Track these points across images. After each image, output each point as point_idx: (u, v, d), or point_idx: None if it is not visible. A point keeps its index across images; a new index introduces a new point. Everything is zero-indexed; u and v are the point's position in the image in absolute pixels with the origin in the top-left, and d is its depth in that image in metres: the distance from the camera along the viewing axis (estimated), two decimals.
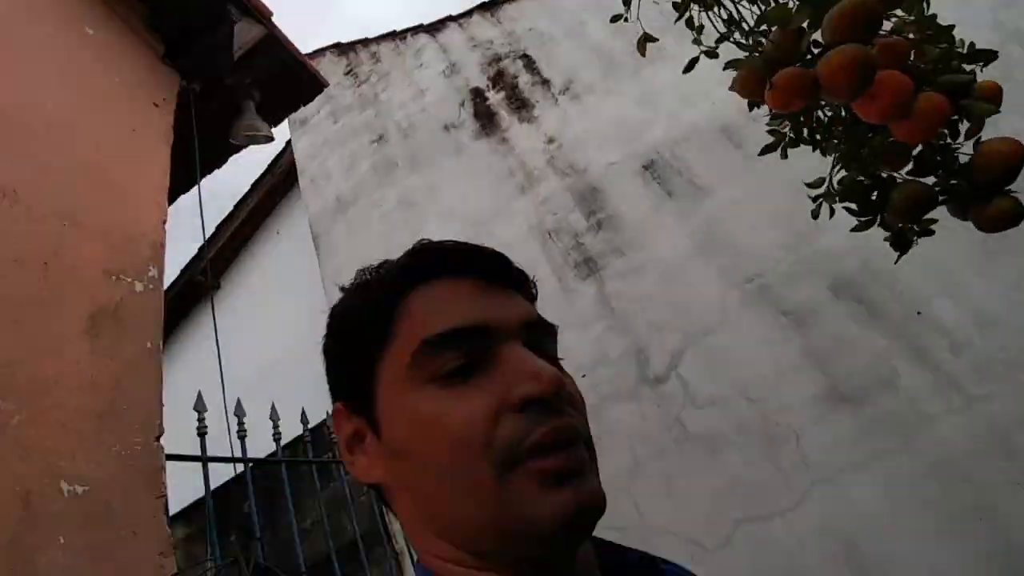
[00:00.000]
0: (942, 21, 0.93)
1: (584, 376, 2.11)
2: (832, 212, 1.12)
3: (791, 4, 0.93)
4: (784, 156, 1.12)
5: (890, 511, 1.58)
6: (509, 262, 0.40)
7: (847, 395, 1.78)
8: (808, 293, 1.94)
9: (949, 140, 0.92)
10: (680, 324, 2.07)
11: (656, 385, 2.03)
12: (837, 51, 0.81)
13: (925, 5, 0.89)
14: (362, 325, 0.38)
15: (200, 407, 1.17)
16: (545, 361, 0.36)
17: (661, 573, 0.40)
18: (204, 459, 1.16)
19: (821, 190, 1.13)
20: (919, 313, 1.79)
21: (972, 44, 0.93)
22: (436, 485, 0.34)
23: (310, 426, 1.53)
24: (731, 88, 1.07)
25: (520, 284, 0.41)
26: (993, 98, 0.88)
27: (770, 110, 1.06)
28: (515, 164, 2.67)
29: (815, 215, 1.12)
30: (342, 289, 0.42)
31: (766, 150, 1.10)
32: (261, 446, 1.40)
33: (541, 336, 0.39)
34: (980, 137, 0.90)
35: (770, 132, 1.11)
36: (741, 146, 2.19)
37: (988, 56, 0.92)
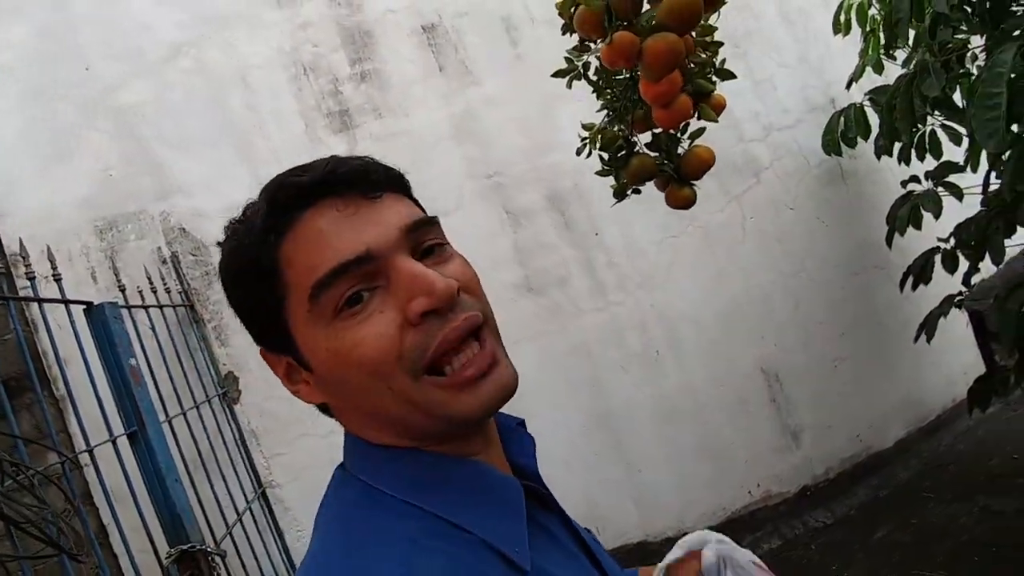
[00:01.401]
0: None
1: None
2: (589, 154, 1.33)
3: None
4: (569, 86, 1.23)
5: (538, 378, 2.10)
6: (367, 171, 0.42)
7: (533, 286, 2.21)
8: (530, 198, 2.25)
9: (679, 132, 1.19)
10: (420, 199, 2.17)
11: None
12: (662, 37, 0.93)
13: (717, 15, 1.04)
14: (253, 285, 0.41)
15: None
16: (432, 269, 0.40)
17: (526, 436, 0.50)
18: None
19: (588, 134, 1.30)
20: (596, 234, 2.28)
21: (724, 60, 1.17)
22: (369, 398, 0.40)
23: None
24: (561, 14, 1.11)
25: (387, 184, 0.43)
26: (719, 108, 1.15)
27: (580, 41, 1.15)
28: None
29: (579, 153, 1.30)
30: (219, 244, 0.44)
31: (559, 74, 1.21)
32: None
33: (424, 232, 0.42)
34: (695, 139, 1.18)
35: (566, 59, 1.21)
36: (517, 44, 2.27)
37: (731, 75, 1.15)
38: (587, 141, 1.25)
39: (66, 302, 1.31)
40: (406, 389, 0.38)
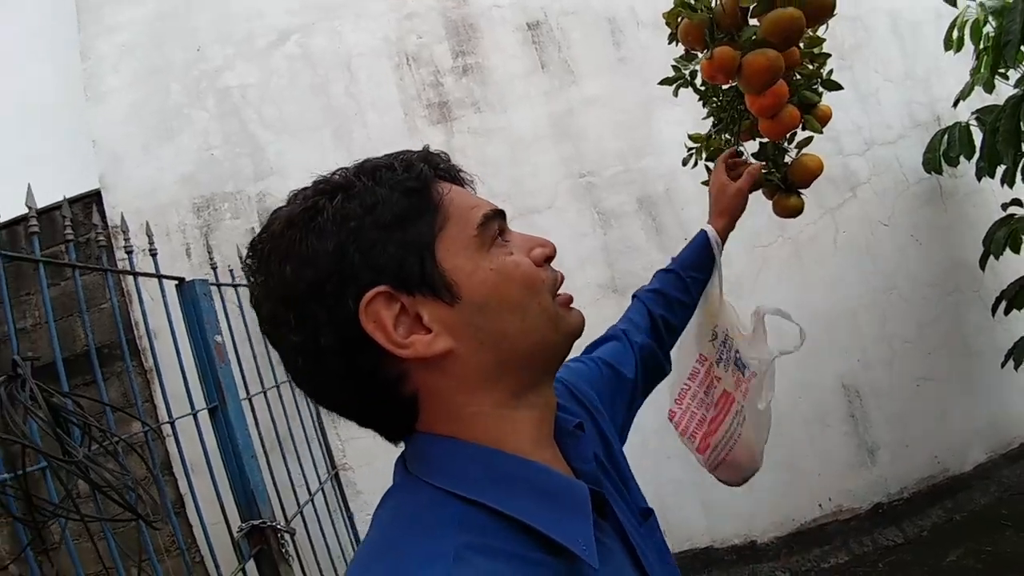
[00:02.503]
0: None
1: None
2: (695, 164, 1.34)
3: None
4: (676, 94, 1.25)
5: None
6: (467, 174, 0.51)
7: (618, 287, 2.24)
8: (620, 200, 2.27)
9: (785, 142, 1.19)
10: (514, 196, 2.20)
11: None
12: (762, 54, 0.96)
13: (826, 27, 1.05)
14: (405, 212, 0.43)
15: None
16: None
17: (583, 439, 0.53)
18: None
19: (695, 145, 1.31)
20: (685, 239, 2.28)
21: (831, 71, 1.17)
22: (517, 320, 0.45)
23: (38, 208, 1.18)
24: (668, 24, 1.13)
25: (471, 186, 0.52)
26: (824, 120, 1.14)
27: (687, 51, 1.17)
28: None
29: (685, 163, 1.30)
30: (334, 188, 0.44)
31: (665, 82, 1.22)
32: None
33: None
34: (802, 148, 1.16)
35: (673, 67, 1.22)
36: (620, 46, 2.28)
37: (837, 86, 1.16)
38: (693, 151, 1.25)
39: (160, 277, 1.34)
40: (548, 305, 0.47)
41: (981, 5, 2.02)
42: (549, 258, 0.49)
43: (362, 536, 2.04)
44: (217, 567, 1.25)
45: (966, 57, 2.17)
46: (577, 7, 2.26)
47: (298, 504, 1.66)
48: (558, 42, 2.26)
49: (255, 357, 1.77)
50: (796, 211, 1.15)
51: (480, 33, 2.25)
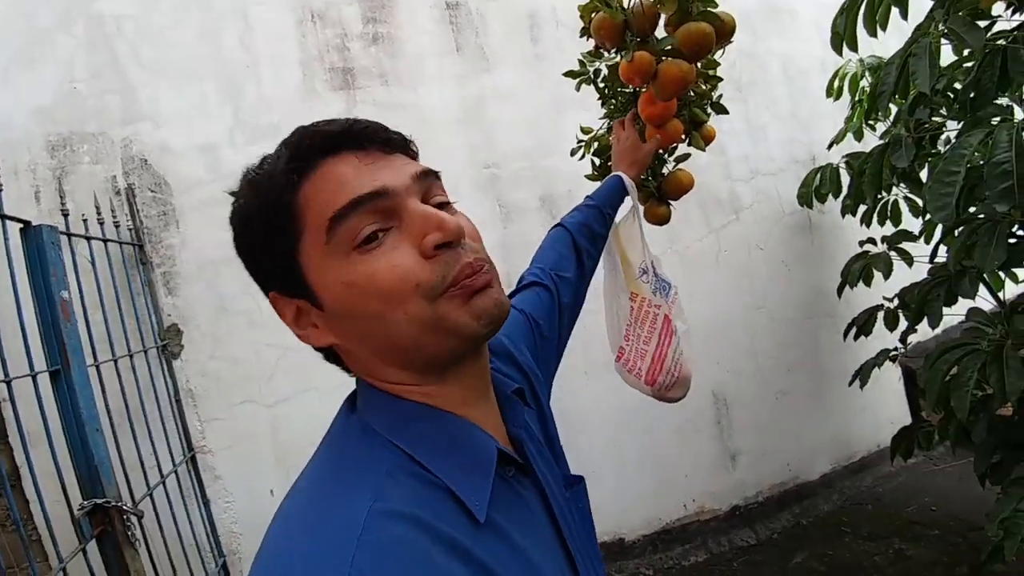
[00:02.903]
0: None
1: None
2: (583, 156, 1.36)
3: None
4: (577, 89, 1.25)
5: None
6: (386, 130, 0.47)
7: (511, 283, 2.22)
8: (523, 196, 2.27)
9: (665, 153, 1.23)
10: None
11: None
12: (676, 64, 1.00)
13: (722, 52, 1.11)
14: (268, 226, 0.44)
15: None
16: (440, 210, 0.45)
17: (518, 406, 0.55)
18: None
19: (586, 138, 1.34)
20: None
21: (721, 95, 1.23)
22: (381, 326, 0.43)
23: None
24: (582, 17, 1.14)
25: (400, 146, 0.48)
26: (708, 139, 1.21)
27: (595, 47, 1.19)
28: None
29: (573, 153, 1.33)
30: (232, 194, 0.48)
31: (570, 74, 1.23)
32: None
33: (431, 184, 0.47)
34: (680, 163, 1.23)
35: (580, 62, 1.23)
36: (538, 42, 2.28)
37: (724, 110, 1.22)
38: (583, 144, 1.29)
39: (2, 217, 1.22)
40: (420, 312, 0.42)
41: (860, 61, 2.25)
42: (444, 243, 0.43)
43: (219, 524, 1.89)
44: (56, 546, 1.17)
45: (843, 105, 2.41)
46: None
47: (148, 485, 1.58)
48: (476, 27, 2.22)
49: (107, 322, 1.61)
50: (664, 219, 1.22)
51: (395, 2, 2.16)
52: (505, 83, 2.24)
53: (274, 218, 0.44)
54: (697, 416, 2.40)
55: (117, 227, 1.83)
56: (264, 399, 2.01)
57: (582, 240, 0.93)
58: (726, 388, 2.44)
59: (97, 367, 1.48)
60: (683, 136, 1.15)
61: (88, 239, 1.62)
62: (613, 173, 1.08)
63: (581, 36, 1.18)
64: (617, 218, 1.09)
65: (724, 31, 1.02)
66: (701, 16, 1.00)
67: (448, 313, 0.43)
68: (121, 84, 1.96)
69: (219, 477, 1.97)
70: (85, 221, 1.63)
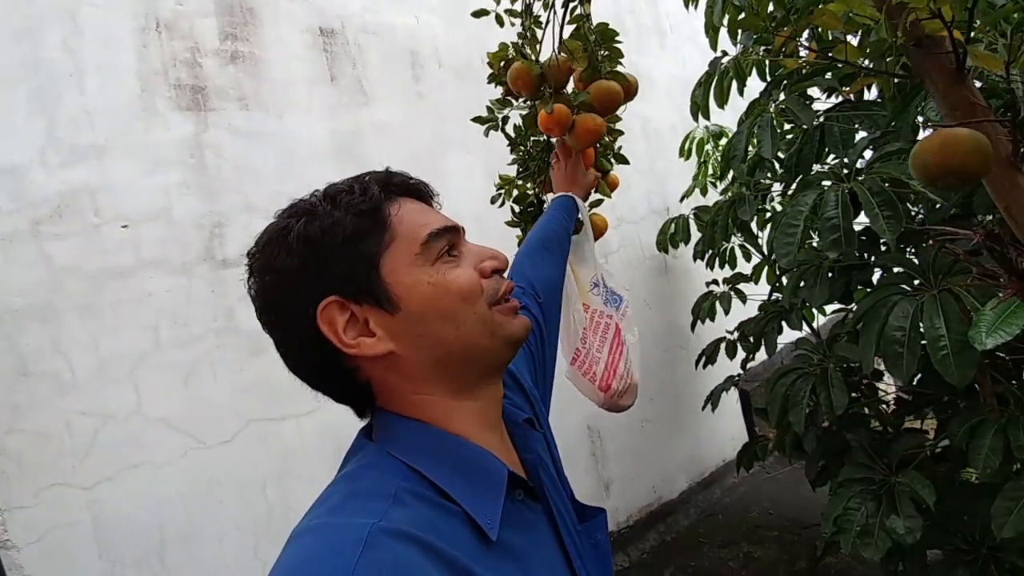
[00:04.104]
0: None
1: (126, 228, 1.70)
2: (502, 203, 1.39)
3: (587, 46, 1.11)
4: (486, 135, 1.30)
5: None
6: (431, 188, 0.59)
7: None
8: None
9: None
10: (275, 212, 1.94)
11: (220, 268, 1.84)
12: (591, 118, 1.09)
13: (625, 107, 1.21)
14: (358, 231, 0.50)
15: None
16: None
17: (530, 433, 0.60)
18: None
19: (505, 186, 1.37)
20: None
21: (621, 147, 1.36)
22: (451, 328, 0.51)
23: None
24: (491, 64, 1.18)
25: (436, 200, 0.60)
26: (613, 187, 1.34)
27: (504, 93, 1.24)
28: None
29: (494, 201, 1.36)
30: (292, 211, 0.54)
31: (479, 120, 1.27)
32: None
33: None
34: (593, 209, 1.33)
35: (488, 108, 1.27)
36: (419, 81, 2.25)
37: (625, 161, 1.36)
38: (503, 192, 1.34)
39: None
40: (484, 313, 0.52)
41: (706, 127, 2.61)
42: (497, 270, 0.55)
43: None
44: None
45: (691, 165, 2.75)
46: (379, 29, 2.16)
47: None
48: (353, 58, 2.12)
49: None
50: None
51: (260, 21, 1.96)
52: (384, 118, 2.16)
53: (366, 225, 0.51)
54: (575, 449, 2.51)
55: None
56: (80, 480, 1.63)
57: (554, 246, 0.99)
58: (598, 420, 2.59)
59: None
60: (596, 183, 1.23)
61: None
62: (561, 194, 1.12)
63: (489, 82, 1.22)
64: None
65: (629, 91, 1.13)
66: (610, 75, 1.10)
67: (502, 322, 0.54)
68: None
69: None
70: None
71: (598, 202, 1.33)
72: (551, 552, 0.52)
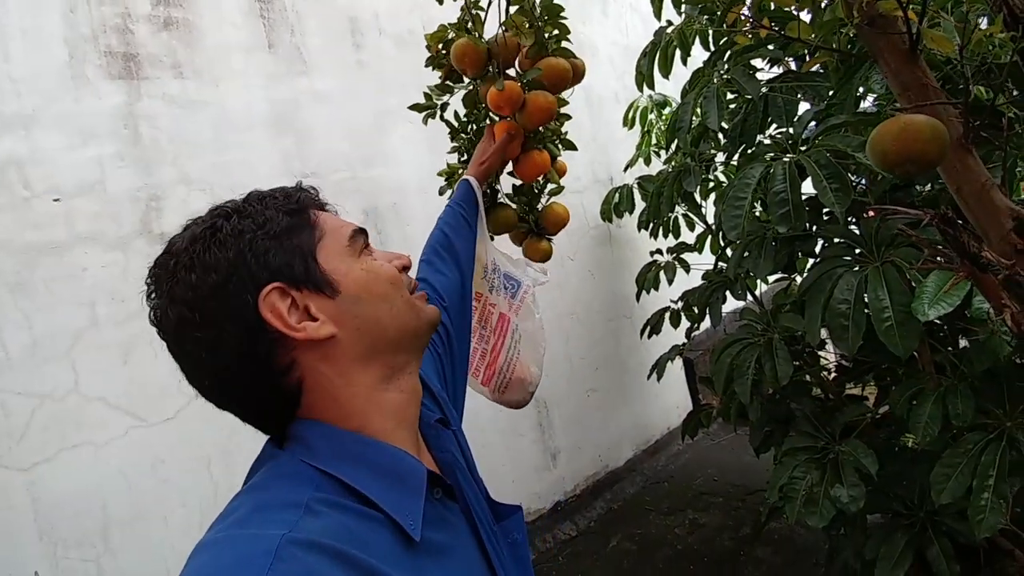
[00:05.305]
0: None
1: (58, 201, 1.69)
2: (452, 193, 1.35)
3: (533, 21, 1.06)
4: (425, 123, 1.25)
5: None
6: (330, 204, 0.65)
7: None
8: (345, 208, 2.22)
9: (537, 188, 1.28)
10: (216, 184, 1.96)
11: (158, 242, 1.84)
12: (543, 95, 1.06)
13: (572, 90, 1.18)
14: (294, 226, 0.55)
15: None
16: None
17: (443, 432, 0.64)
18: None
19: (449, 177, 1.33)
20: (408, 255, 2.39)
21: (567, 132, 1.31)
22: (385, 309, 0.56)
23: None
24: (429, 47, 1.14)
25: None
26: (562, 173, 1.28)
27: (442, 77, 1.19)
28: None
29: (442, 192, 1.31)
30: (221, 210, 0.56)
31: (416, 108, 1.23)
32: None
33: None
34: (552, 197, 1.31)
35: (426, 95, 1.22)
36: (360, 49, 2.28)
37: (573, 147, 1.32)
38: (448, 182, 1.31)
39: None
40: (407, 297, 0.59)
41: (650, 97, 2.68)
42: (405, 267, 0.61)
43: None
44: None
45: (635, 134, 2.84)
46: None
47: None
48: (292, 25, 2.15)
49: None
50: (547, 255, 1.26)
51: None
52: (324, 87, 2.20)
53: (297, 222, 0.55)
54: (521, 420, 2.59)
55: None
56: (17, 462, 1.62)
57: (455, 247, 1.00)
58: (545, 391, 2.68)
59: None
60: (548, 167, 1.18)
61: None
62: (463, 177, 1.11)
63: (427, 66, 1.17)
64: None
65: (578, 71, 1.10)
66: (559, 52, 1.07)
67: (422, 306, 0.60)
68: None
69: None
70: None
71: (558, 190, 1.29)
72: (471, 550, 0.54)
